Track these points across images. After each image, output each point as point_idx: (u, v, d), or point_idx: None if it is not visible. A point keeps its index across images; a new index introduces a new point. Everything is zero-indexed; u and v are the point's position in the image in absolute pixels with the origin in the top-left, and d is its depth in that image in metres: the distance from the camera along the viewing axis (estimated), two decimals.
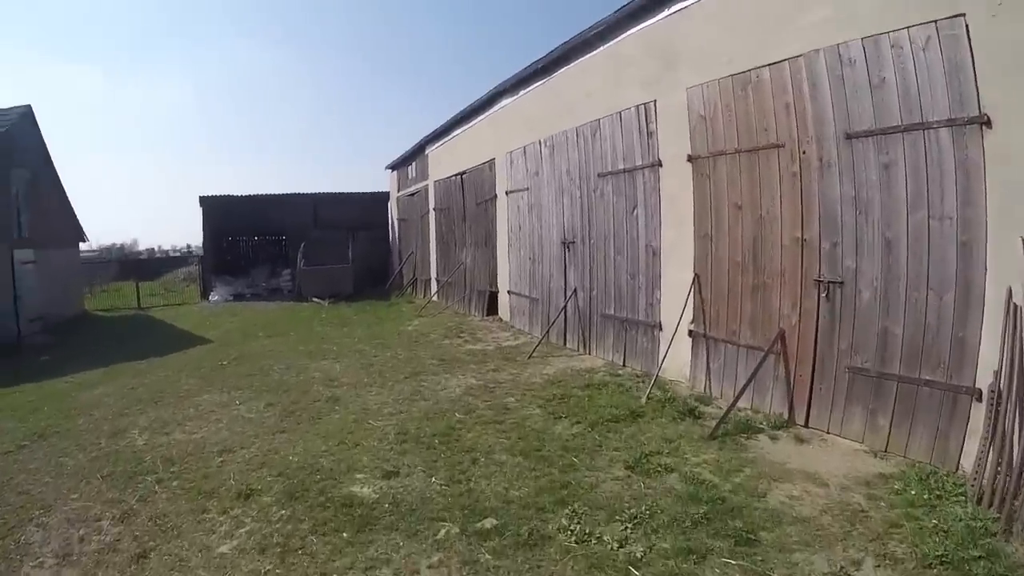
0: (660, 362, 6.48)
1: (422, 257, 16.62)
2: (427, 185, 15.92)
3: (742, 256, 5.50)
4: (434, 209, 15.24)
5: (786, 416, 5.08)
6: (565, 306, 8.45)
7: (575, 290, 8.30)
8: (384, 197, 21.48)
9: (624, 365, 7.25)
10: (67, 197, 16.03)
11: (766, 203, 5.24)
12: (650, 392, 5.81)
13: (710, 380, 5.92)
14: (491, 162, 11.26)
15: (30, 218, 13.45)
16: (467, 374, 7.21)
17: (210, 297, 18.49)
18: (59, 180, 15.50)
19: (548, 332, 8.68)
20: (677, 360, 6.19)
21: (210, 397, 6.76)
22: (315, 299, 16.55)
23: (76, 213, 16.52)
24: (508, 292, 10.69)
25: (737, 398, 5.14)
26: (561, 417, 5.39)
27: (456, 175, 13.35)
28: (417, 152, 17.00)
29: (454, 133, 13.67)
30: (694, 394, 5.89)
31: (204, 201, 19.35)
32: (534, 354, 8.05)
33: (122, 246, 41.96)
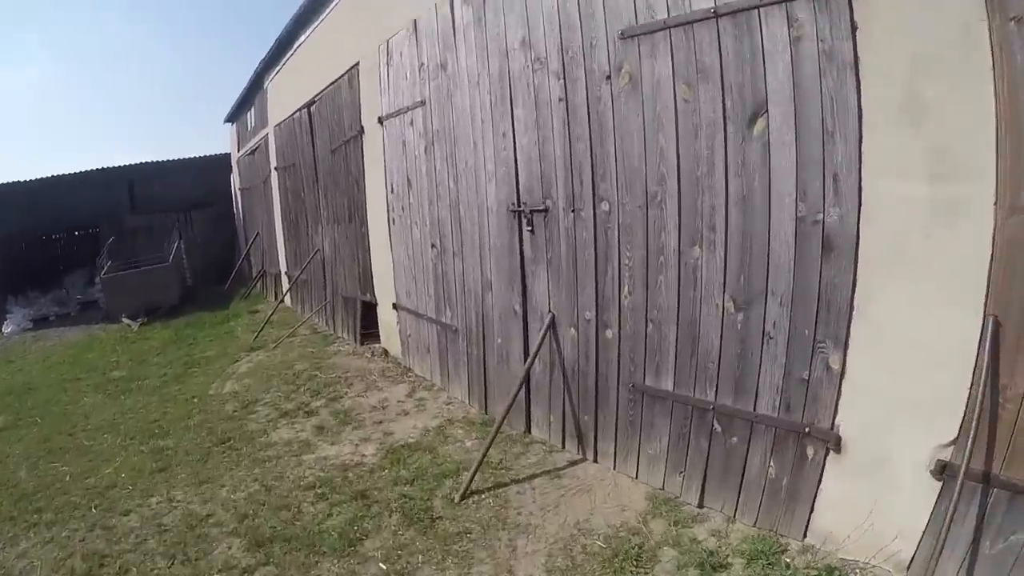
0: (812, 520, 2.12)
1: (268, 241, 11.12)
2: (267, 135, 10.40)
3: None
4: (276, 168, 9.78)
5: None
6: (530, 366, 3.83)
7: (552, 318, 3.69)
8: (227, 161, 15.53)
9: (701, 505, 2.85)
10: None
11: None
12: None
13: None
14: (354, 70, 6.16)
15: None
16: None
17: (2, 328, 11.88)
18: None
19: (506, 414, 4.01)
20: (883, 529, 1.80)
21: None
22: (125, 319, 10.69)
23: None
24: (396, 307, 5.82)
25: None
26: None
27: (302, 108, 8.05)
28: (254, 88, 11.29)
29: (299, 41, 8.29)
30: None
31: None
32: (474, 483, 3.41)
33: None
